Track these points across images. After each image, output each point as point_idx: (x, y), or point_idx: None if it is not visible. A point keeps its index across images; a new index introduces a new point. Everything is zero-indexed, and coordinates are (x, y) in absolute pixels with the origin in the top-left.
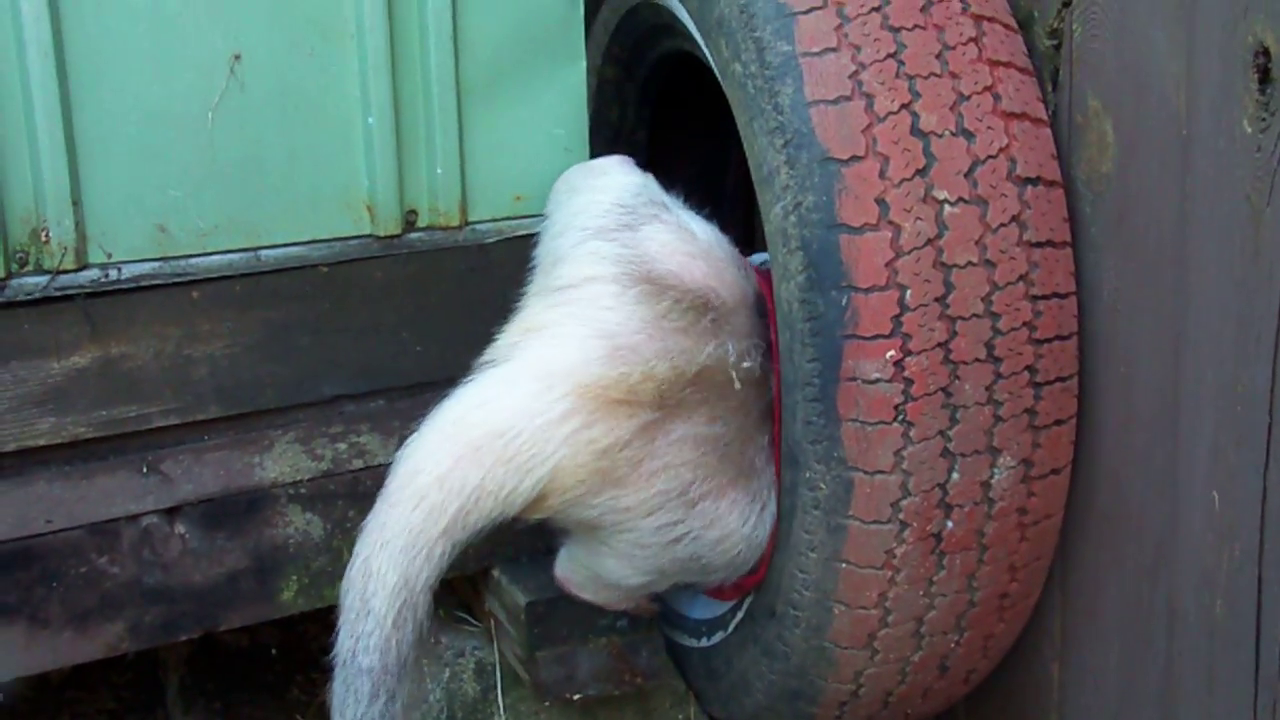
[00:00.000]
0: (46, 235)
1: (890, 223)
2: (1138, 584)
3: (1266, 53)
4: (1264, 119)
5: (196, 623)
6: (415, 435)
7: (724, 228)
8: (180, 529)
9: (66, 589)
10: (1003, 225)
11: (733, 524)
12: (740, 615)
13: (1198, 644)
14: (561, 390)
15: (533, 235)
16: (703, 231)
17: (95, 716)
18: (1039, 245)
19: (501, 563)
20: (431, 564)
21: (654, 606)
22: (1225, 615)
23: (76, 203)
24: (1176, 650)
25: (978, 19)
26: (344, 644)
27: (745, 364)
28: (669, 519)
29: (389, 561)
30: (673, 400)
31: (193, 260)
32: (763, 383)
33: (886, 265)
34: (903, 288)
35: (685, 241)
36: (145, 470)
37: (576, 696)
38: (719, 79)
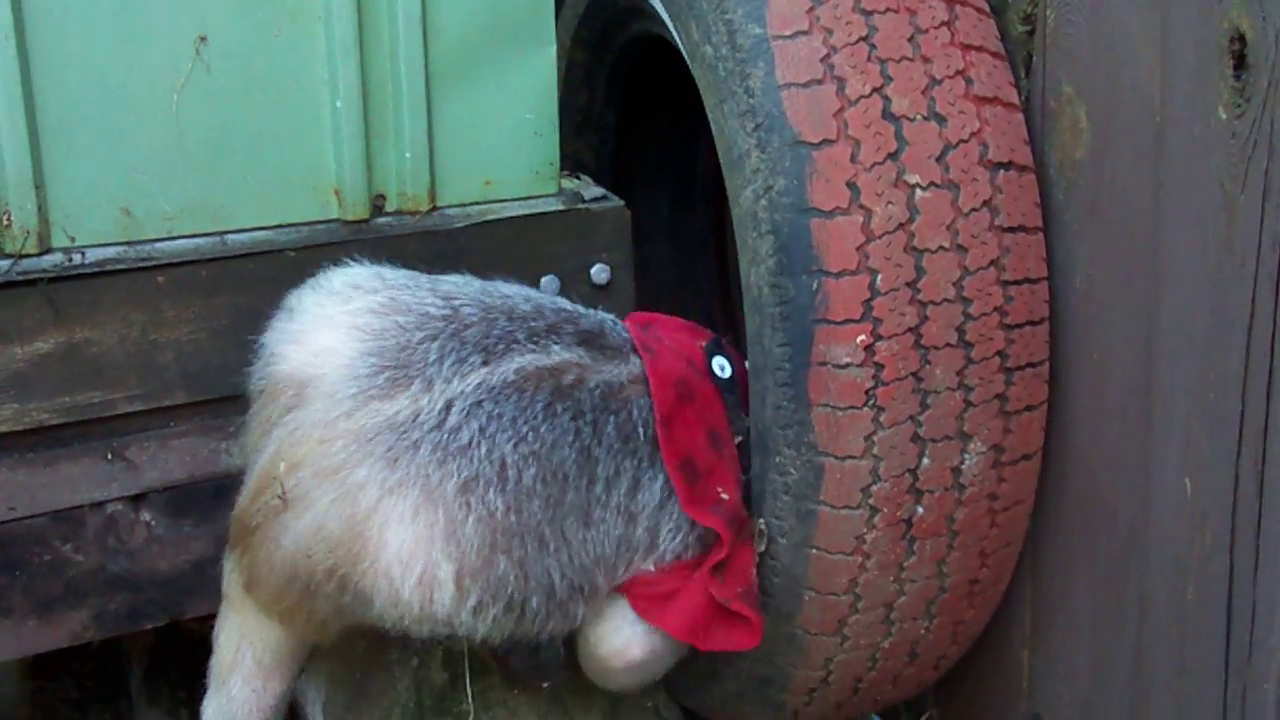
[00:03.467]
0: (8, 219)
1: (861, 207)
2: (1109, 571)
3: (1242, 39)
4: (1239, 105)
5: (162, 610)
6: None
7: (692, 212)
8: (146, 516)
9: (30, 577)
10: (974, 210)
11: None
12: None
13: (1169, 631)
14: None
15: (503, 220)
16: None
17: (59, 706)
18: (1011, 230)
19: None
20: None
21: None
22: (1196, 603)
23: (39, 186)
24: (1147, 638)
25: (950, 3)
26: None
27: None
28: None
29: None
30: None
31: (158, 245)
32: None
33: (857, 249)
34: (874, 272)
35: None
36: (110, 457)
37: (545, 685)
38: (688, 62)
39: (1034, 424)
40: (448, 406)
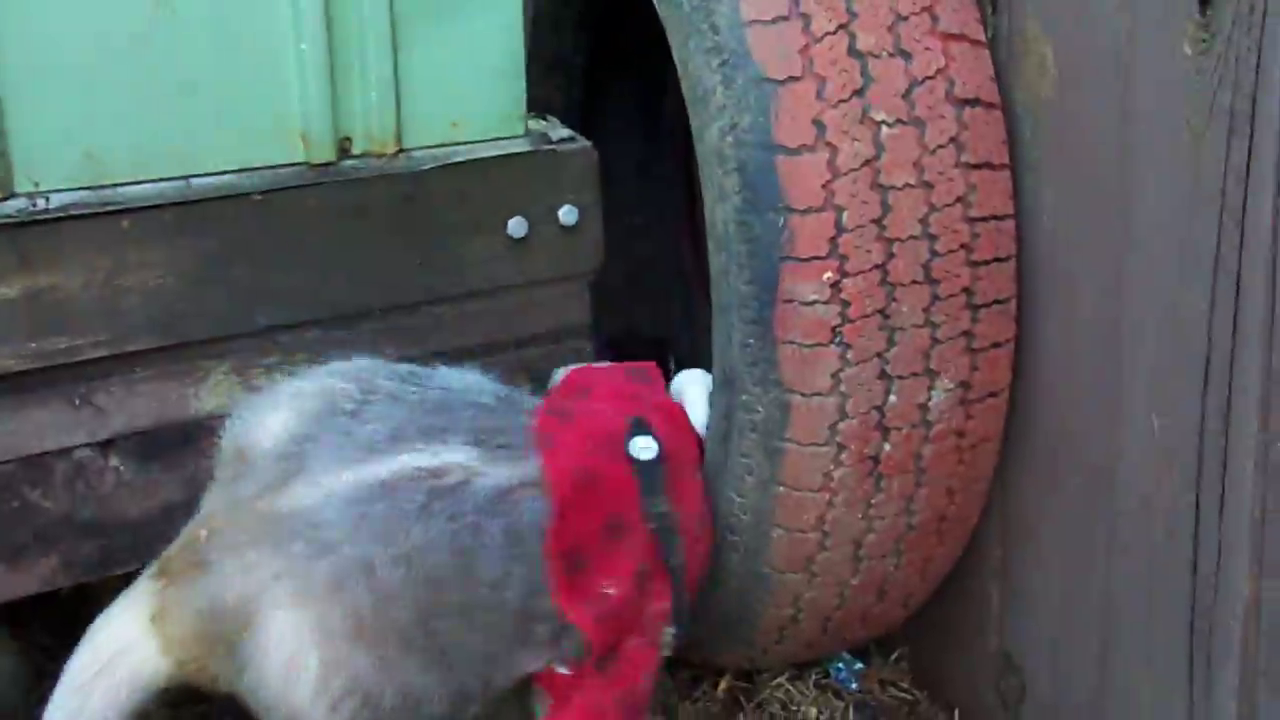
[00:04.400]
0: None
1: (827, 144)
2: (1077, 509)
3: None
4: (1204, 41)
5: (133, 555)
6: None
7: (661, 154)
8: (114, 462)
9: None
10: (940, 147)
11: None
12: None
13: (1137, 569)
14: None
15: (470, 163)
16: None
17: (30, 651)
18: (977, 167)
19: None
20: None
21: None
22: (1164, 540)
23: (1, 132)
24: (1115, 576)
25: None
26: None
27: None
28: None
29: None
30: None
31: (122, 189)
32: None
33: (823, 187)
34: (840, 209)
35: None
36: (77, 403)
37: None
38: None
39: (1001, 361)
40: (326, 501)
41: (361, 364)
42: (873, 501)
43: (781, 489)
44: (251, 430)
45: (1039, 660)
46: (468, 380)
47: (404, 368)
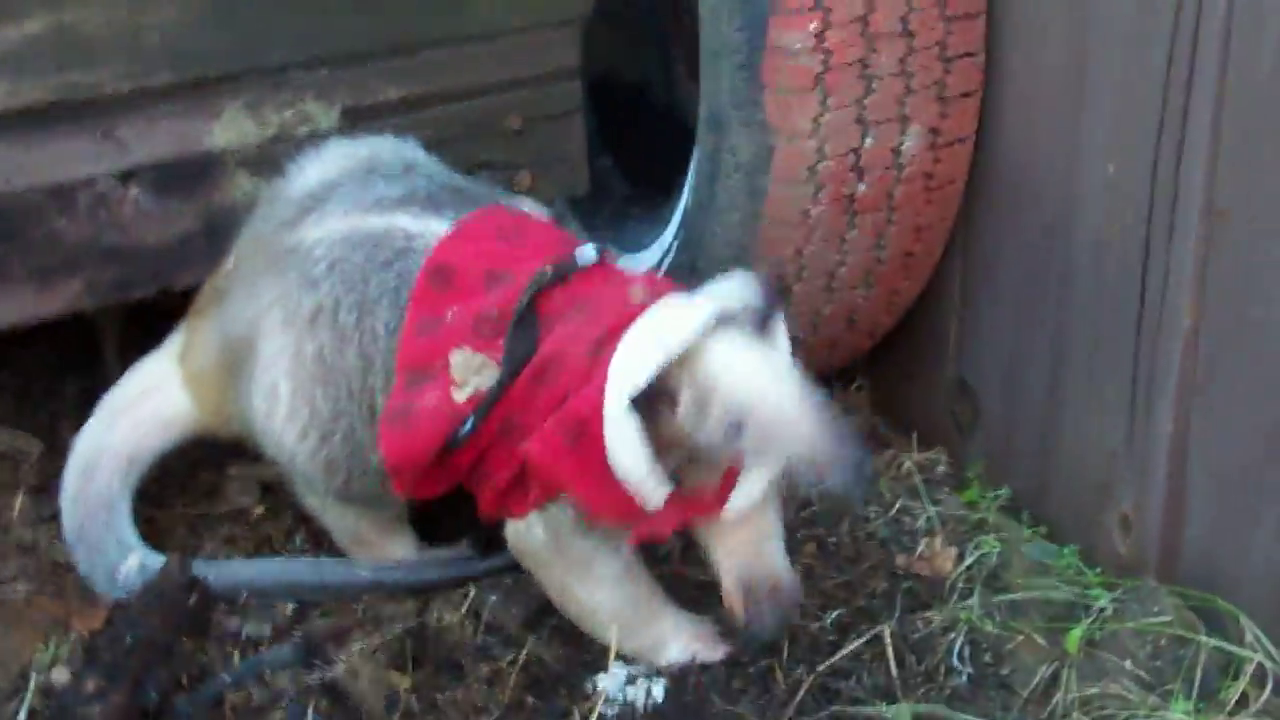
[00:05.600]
0: None
1: None
2: (1034, 248)
3: None
4: None
5: (152, 280)
6: None
7: None
8: (134, 192)
9: (28, 247)
10: None
11: None
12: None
13: (1087, 303)
14: None
15: None
16: None
17: (37, 370)
18: None
19: None
20: None
21: None
22: (1115, 274)
23: None
24: (1068, 307)
25: None
26: None
27: None
28: None
29: None
30: None
31: None
32: None
33: None
34: None
35: None
36: (100, 136)
37: None
38: None
39: (969, 110)
40: (321, 240)
41: (416, 149)
42: (847, 237)
43: (763, 224)
44: (293, 176)
45: (993, 385)
46: (501, 198)
47: (454, 175)
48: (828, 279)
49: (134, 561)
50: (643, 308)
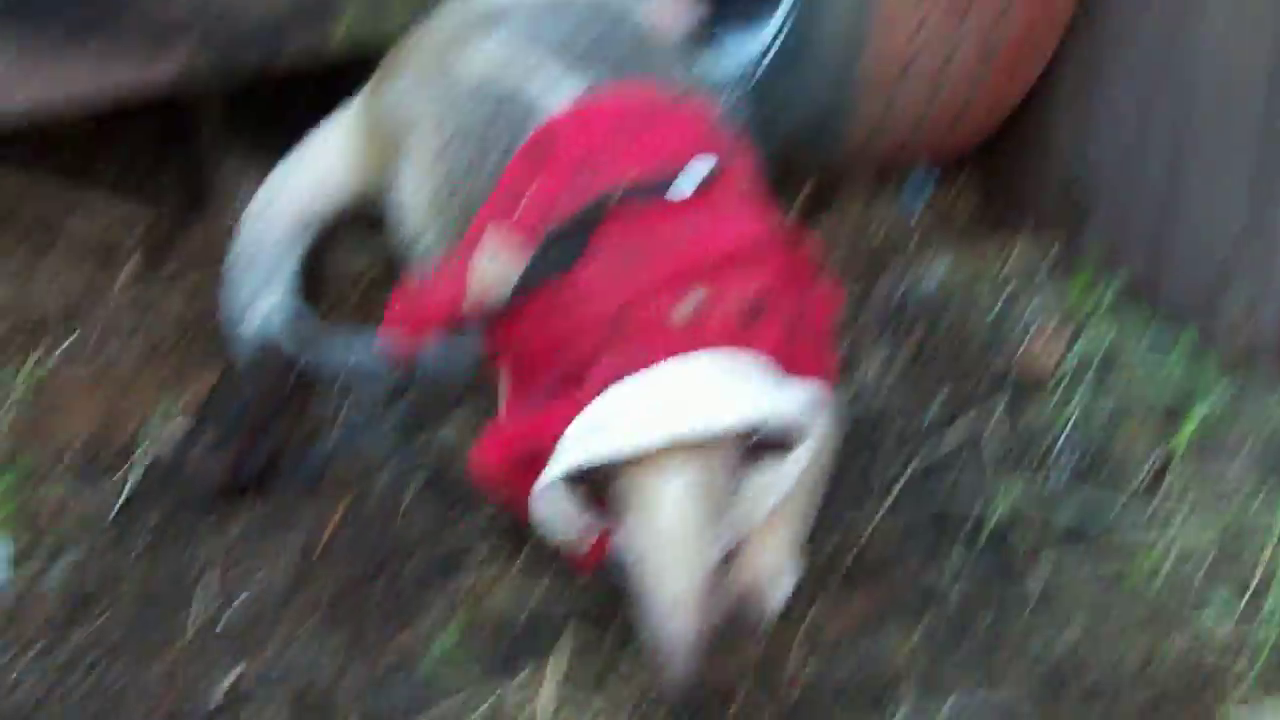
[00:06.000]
0: None
1: None
2: (1159, 29)
3: None
4: None
5: (256, 53)
6: None
7: None
8: None
9: (138, 10)
10: None
11: None
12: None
13: (1212, 84)
14: None
15: None
16: None
17: (135, 155)
18: None
19: None
20: None
21: None
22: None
23: None
24: (1191, 90)
25: None
26: None
27: None
28: None
29: None
30: None
31: None
32: None
33: None
34: None
35: None
36: None
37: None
38: None
39: None
40: (470, 73)
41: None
42: (965, 19)
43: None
44: None
45: (1111, 170)
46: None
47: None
48: (945, 61)
49: (264, 305)
50: (671, 341)
